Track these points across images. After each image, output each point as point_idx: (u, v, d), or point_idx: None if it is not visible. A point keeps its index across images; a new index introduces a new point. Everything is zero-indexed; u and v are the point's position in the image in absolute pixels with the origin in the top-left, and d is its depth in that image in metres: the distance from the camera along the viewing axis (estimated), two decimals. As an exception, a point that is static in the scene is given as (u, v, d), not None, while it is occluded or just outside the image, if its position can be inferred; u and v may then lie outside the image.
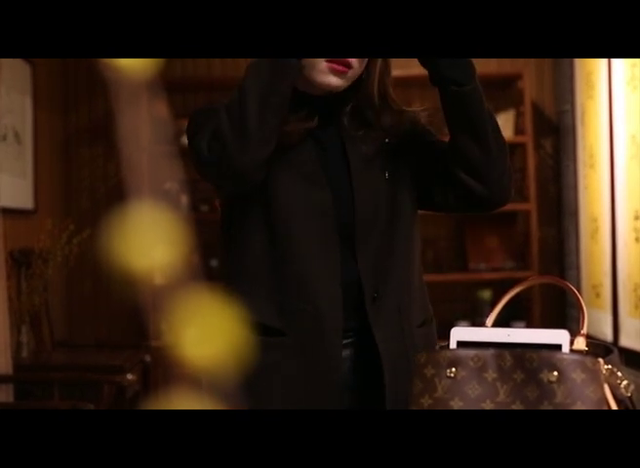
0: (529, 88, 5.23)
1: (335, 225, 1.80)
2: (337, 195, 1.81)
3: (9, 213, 4.26)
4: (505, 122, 5.31)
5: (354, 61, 1.78)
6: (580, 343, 1.55)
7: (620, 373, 1.49)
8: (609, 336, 4.43)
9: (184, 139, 5.00)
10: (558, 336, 1.54)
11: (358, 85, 1.85)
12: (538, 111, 5.42)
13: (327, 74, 1.78)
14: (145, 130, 4.87)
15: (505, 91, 5.40)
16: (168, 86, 4.60)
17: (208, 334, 1.48)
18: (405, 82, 5.30)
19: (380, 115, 1.85)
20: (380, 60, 1.83)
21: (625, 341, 4.21)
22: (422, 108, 1.92)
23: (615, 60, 4.27)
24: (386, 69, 1.86)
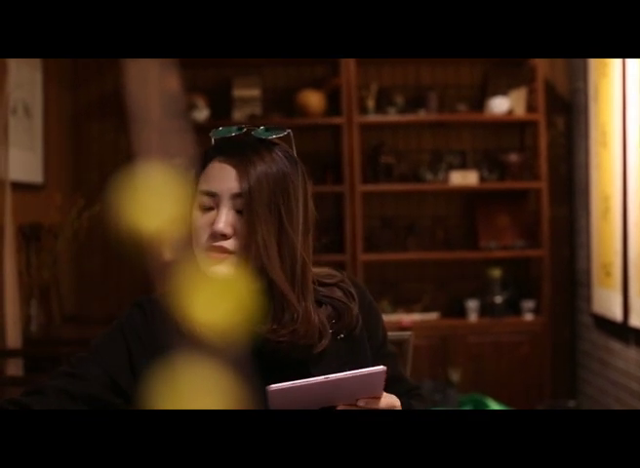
0: (542, 65, 5.19)
1: None
2: None
3: (18, 187, 4.25)
4: (517, 99, 5.28)
5: (233, 245, 1.56)
6: None
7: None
8: (619, 316, 4.42)
9: (194, 114, 4.97)
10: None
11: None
12: (550, 89, 5.38)
13: (207, 263, 1.57)
14: (156, 104, 4.86)
15: (518, 68, 5.37)
16: (178, 61, 4.58)
17: (216, 306, 1.47)
18: (415, 61, 5.29)
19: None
20: (257, 240, 1.55)
21: (635, 321, 4.20)
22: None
23: (629, 38, 4.23)
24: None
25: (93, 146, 5.41)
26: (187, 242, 1.61)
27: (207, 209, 1.58)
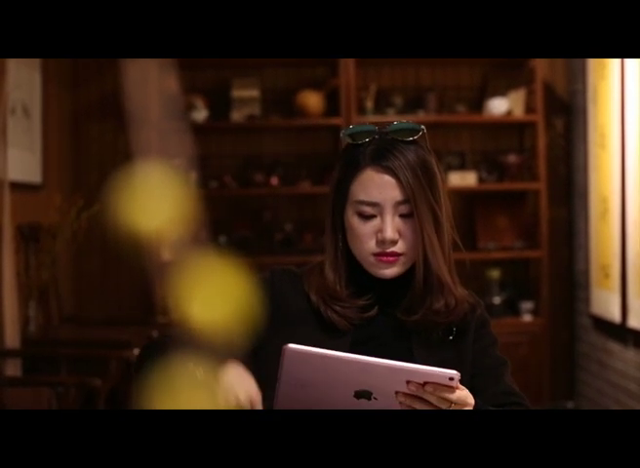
0: (541, 67, 5.20)
1: None
2: None
3: (17, 187, 4.25)
4: (516, 101, 5.28)
5: (402, 248, 1.68)
6: None
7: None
8: (617, 317, 4.42)
9: (193, 115, 4.97)
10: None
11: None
12: (549, 90, 5.39)
13: (377, 267, 1.69)
14: (155, 105, 4.86)
15: (517, 69, 5.38)
16: (177, 62, 4.58)
17: (216, 308, 1.48)
18: (414, 62, 5.29)
19: (433, 299, 1.73)
20: (424, 241, 1.67)
21: (634, 322, 4.20)
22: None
23: (628, 40, 4.24)
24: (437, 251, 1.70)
25: (92, 147, 5.41)
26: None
27: (368, 217, 1.67)
